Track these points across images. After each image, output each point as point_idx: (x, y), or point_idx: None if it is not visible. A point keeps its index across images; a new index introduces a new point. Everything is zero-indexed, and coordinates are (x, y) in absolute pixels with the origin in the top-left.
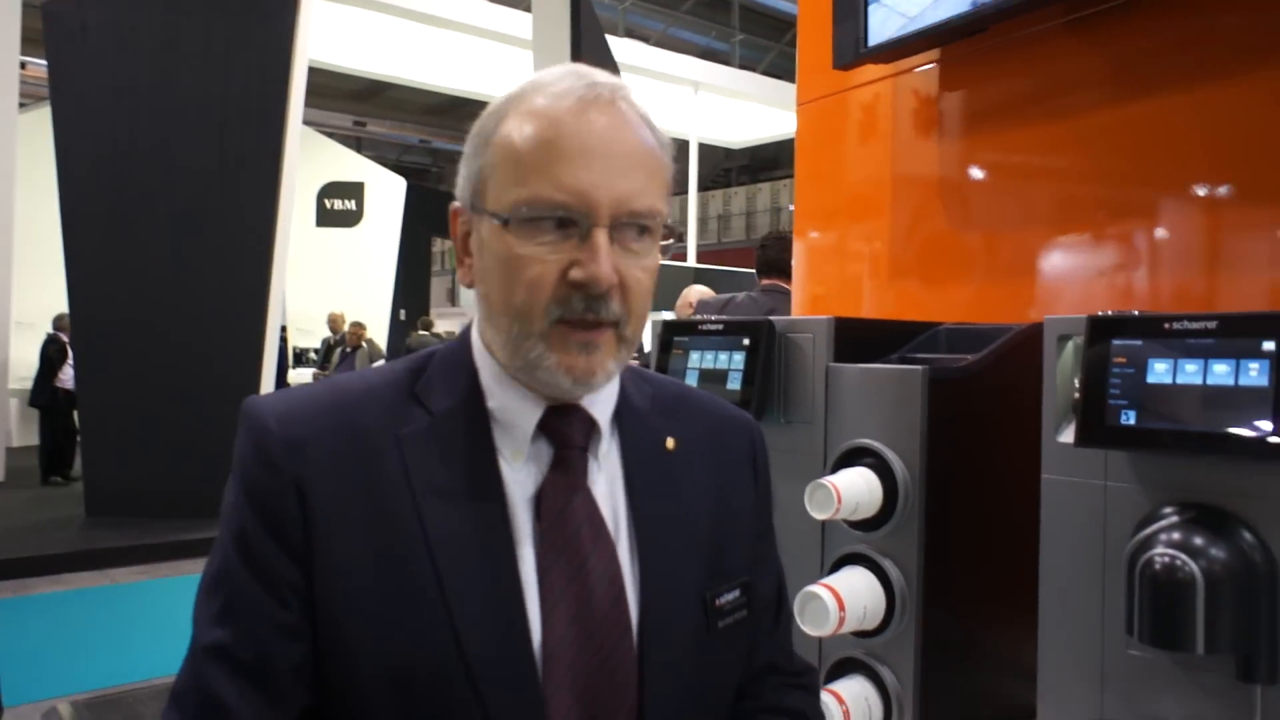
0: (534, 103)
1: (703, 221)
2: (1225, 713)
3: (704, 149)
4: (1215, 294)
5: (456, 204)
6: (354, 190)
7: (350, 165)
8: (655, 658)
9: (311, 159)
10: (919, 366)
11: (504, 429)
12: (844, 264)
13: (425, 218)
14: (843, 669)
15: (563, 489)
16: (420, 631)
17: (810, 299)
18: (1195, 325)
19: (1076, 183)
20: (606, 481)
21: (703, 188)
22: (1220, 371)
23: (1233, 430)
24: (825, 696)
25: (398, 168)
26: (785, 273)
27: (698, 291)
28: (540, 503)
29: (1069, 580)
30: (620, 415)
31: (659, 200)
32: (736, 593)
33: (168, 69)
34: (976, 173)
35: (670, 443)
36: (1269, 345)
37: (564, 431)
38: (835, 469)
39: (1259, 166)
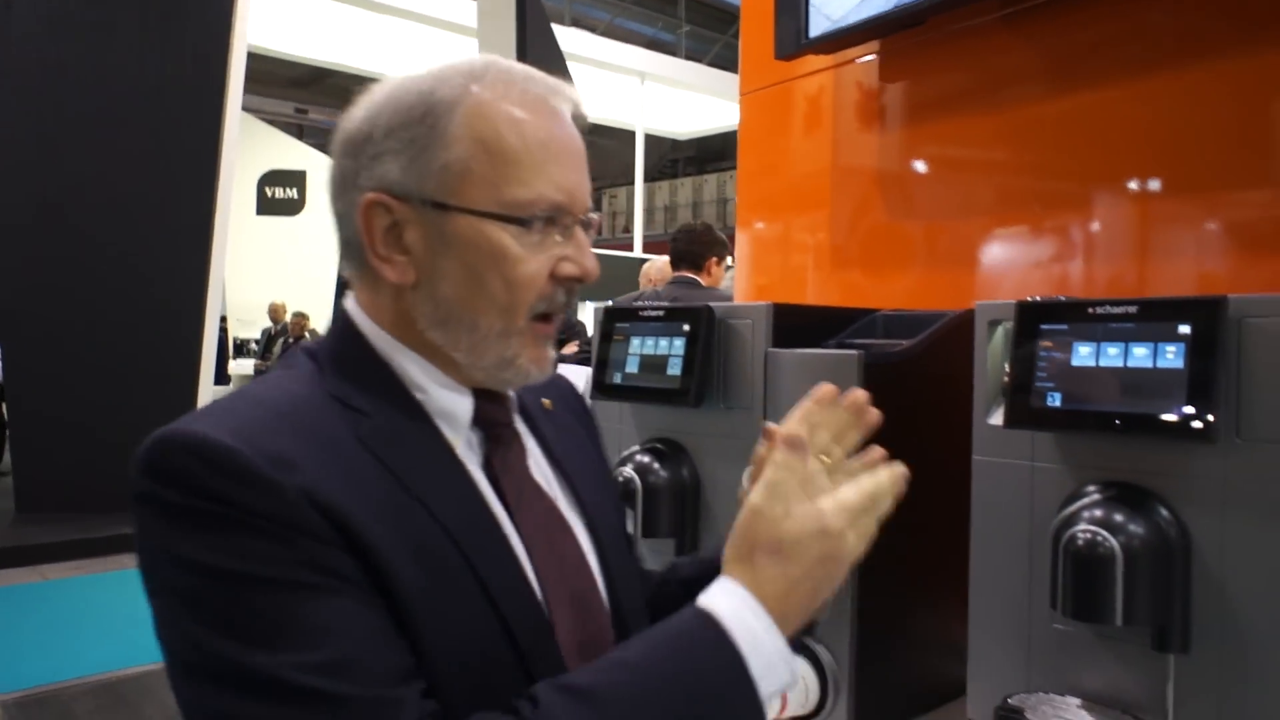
0: (508, 99)
1: (649, 212)
2: (1142, 681)
3: (651, 139)
4: (1146, 282)
5: (376, 195)
6: (296, 178)
7: (292, 153)
8: (626, 606)
9: (252, 146)
10: (854, 351)
11: (439, 418)
12: (788, 254)
13: None
14: None
15: (513, 468)
16: (472, 619)
17: (755, 289)
18: (1117, 310)
19: (1014, 174)
20: (528, 449)
21: (649, 178)
22: (1140, 354)
23: (1150, 411)
24: None
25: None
26: (696, 264)
27: (659, 265)
28: (498, 484)
29: (998, 558)
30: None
31: None
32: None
33: (100, 50)
34: (916, 164)
35: (547, 402)
36: (1185, 329)
37: (492, 412)
38: None
39: (1187, 160)
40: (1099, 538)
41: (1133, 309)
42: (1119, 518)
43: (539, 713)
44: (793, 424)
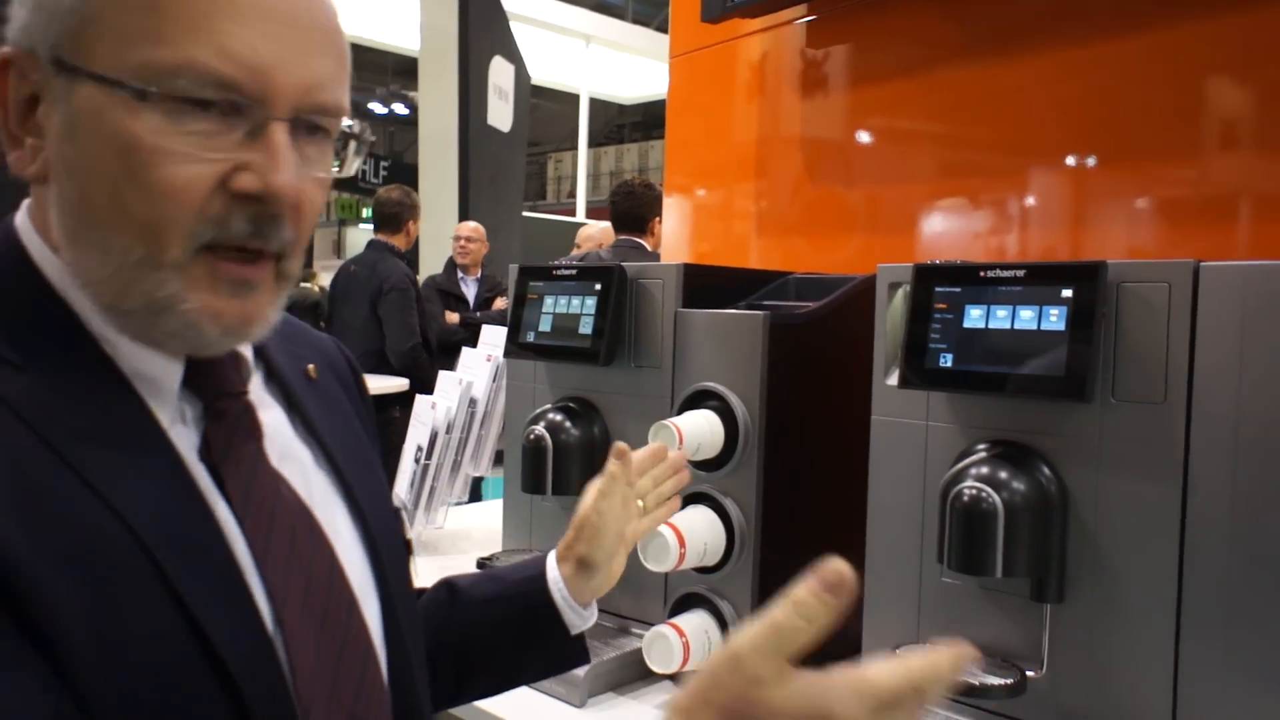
0: None
1: (594, 178)
2: (1021, 630)
3: (596, 104)
4: (1079, 253)
5: (9, 49)
6: None
7: None
8: (403, 621)
9: None
10: (760, 312)
11: (140, 384)
12: (715, 222)
13: None
14: (685, 604)
15: (240, 453)
16: (159, 632)
17: (696, 258)
18: (1006, 274)
19: (949, 145)
20: (271, 424)
21: (594, 144)
22: (1026, 317)
23: (1032, 372)
24: (666, 630)
25: None
26: (638, 227)
27: (599, 228)
28: (221, 469)
29: (893, 515)
30: (261, 344)
31: (346, 96)
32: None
33: None
34: (849, 130)
35: (312, 369)
36: (1067, 292)
37: (215, 375)
38: (681, 412)
39: (1118, 133)
40: (983, 494)
41: (1020, 273)
42: (1003, 475)
43: None
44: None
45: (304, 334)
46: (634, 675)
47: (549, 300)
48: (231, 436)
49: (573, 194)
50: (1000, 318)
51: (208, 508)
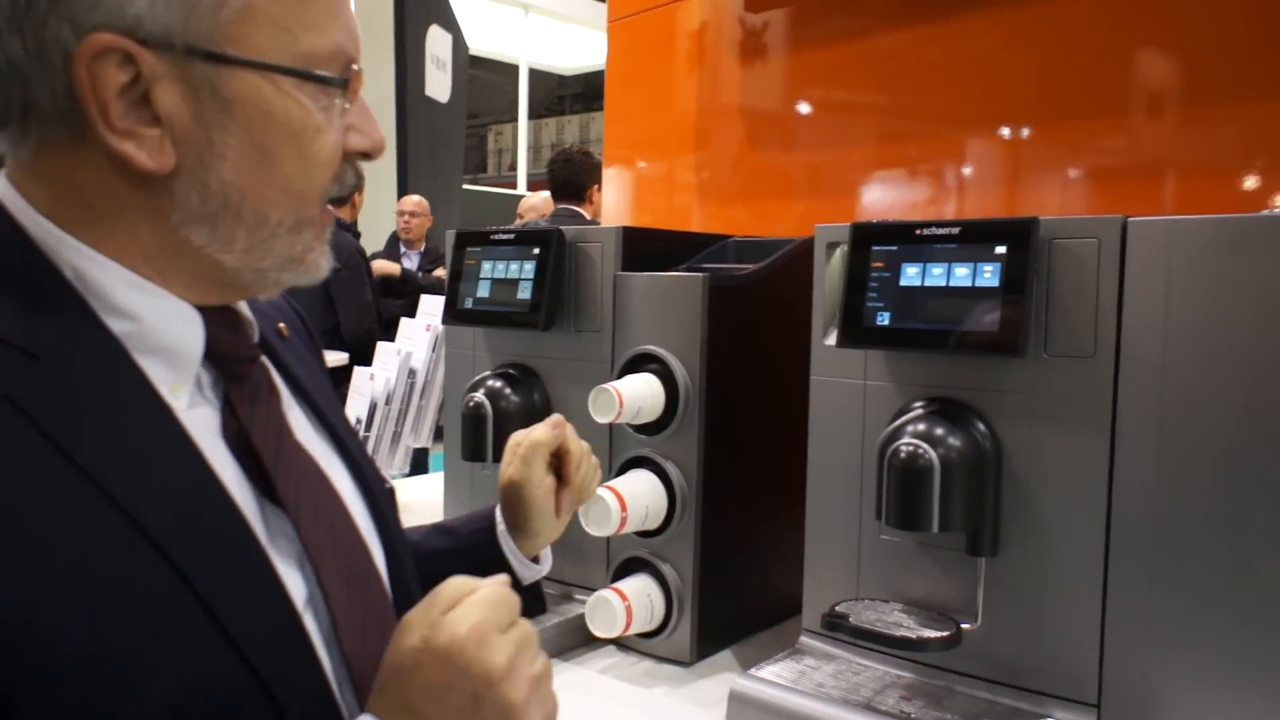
0: None
1: (535, 150)
2: (957, 584)
3: (536, 75)
4: (1014, 215)
5: (109, 38)
6: None
7: None
8: (406, 573)
9: None
10: (700, 275)
11: (149, 356)
12: (655, 191)
13: None
14: (628, 568)
15: (265, 419)
16: (190, 655)
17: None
18: (941, 231)
19: (885, 112)
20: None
21: (535, 115)
22: (960, 274)
23: (967, 328)
24: (609, 594)
25: None
26: (576, 195)
27: (541, 198)
28: (247, 441)
29: (832, 474)
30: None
31: None
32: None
33: None
34: (787, 98)
35: (284, 328)
36: (1000, 250)
37: (230, 342)
38: (622, 376)
39: (1051, 100)
40: (919, 451)
41: (955, 231)
42: (939, 431)
43: None
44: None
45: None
46: (577, 641)
47: (487, 266)
48: (255, 398)
49: (514, 167)
50: (936, 276)
51: (223, 490)
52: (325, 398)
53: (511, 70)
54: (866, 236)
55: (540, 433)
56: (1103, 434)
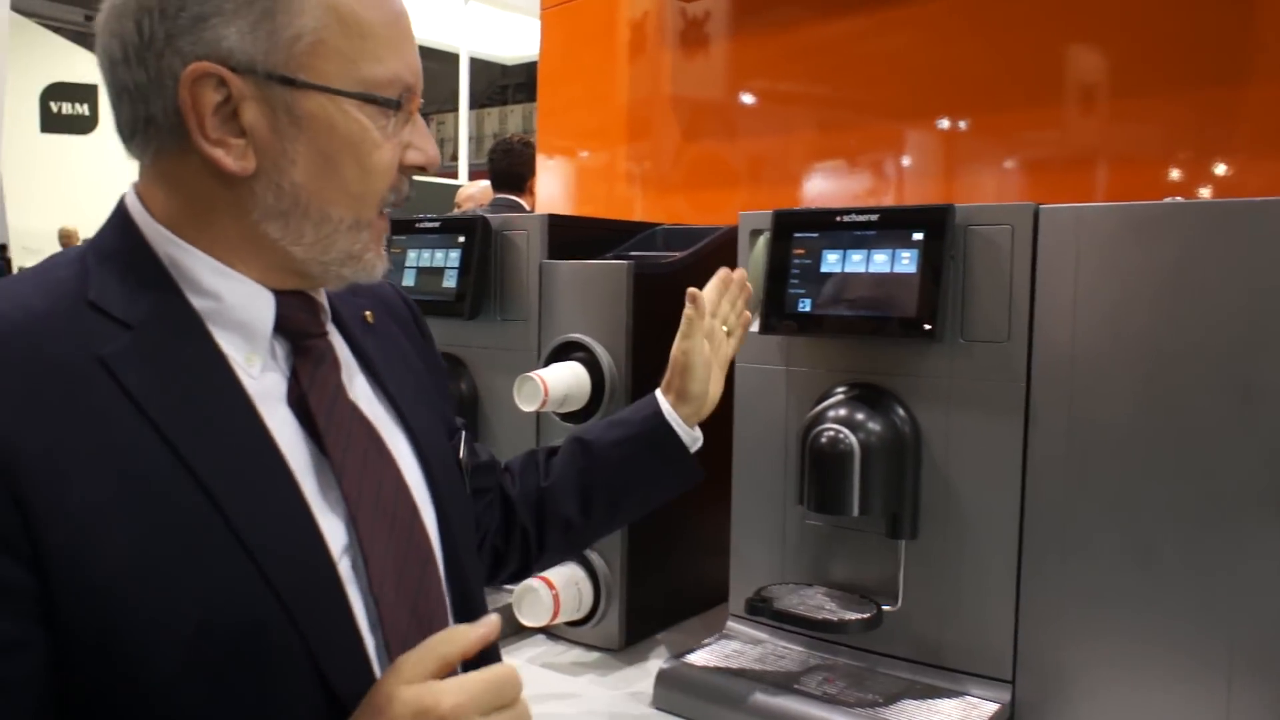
0: None
1: (477, 140)
2: (879, 567)
3: (477, 64)
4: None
5: (206, 65)
6: (86, 93)
7: (81, 65)
8: (459, 536)
9: (32, 56)
10: (625, 262)
11: (229, 330)
12: (592, 181)
13: None
14: None
15: (323, 383)
16: (222, 580)
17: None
18: (861, 218)
19: (823, 103)
20: (345, 365)
21: (476, 105)
22: (880, 260)
23: (885, 314)
24: (536, 583)
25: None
26: (516, 185)
27: (479, 187)
28: (305, 403)
29: (757, 461)
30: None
31: None
32: (465, 450)
33: None
34: (728, 89)
35: (369, 315)
36: (918, 236)
37: (301, 320)
38: (548, 364)
39: (985, 94)
40: (840, 436)
41: (874, 217)
42: (859, 416)
43: None
44: None
45: (365, 286)
46: (506, 630)
47: (412, 254)
48: (316, 368)
49: (455, 157)
50: (856, 262)
51: (269, 441)
52: (405, 378)
53: (452, 59)
54: (788, 224)
55: (687, 308)
56: (1017, 418)
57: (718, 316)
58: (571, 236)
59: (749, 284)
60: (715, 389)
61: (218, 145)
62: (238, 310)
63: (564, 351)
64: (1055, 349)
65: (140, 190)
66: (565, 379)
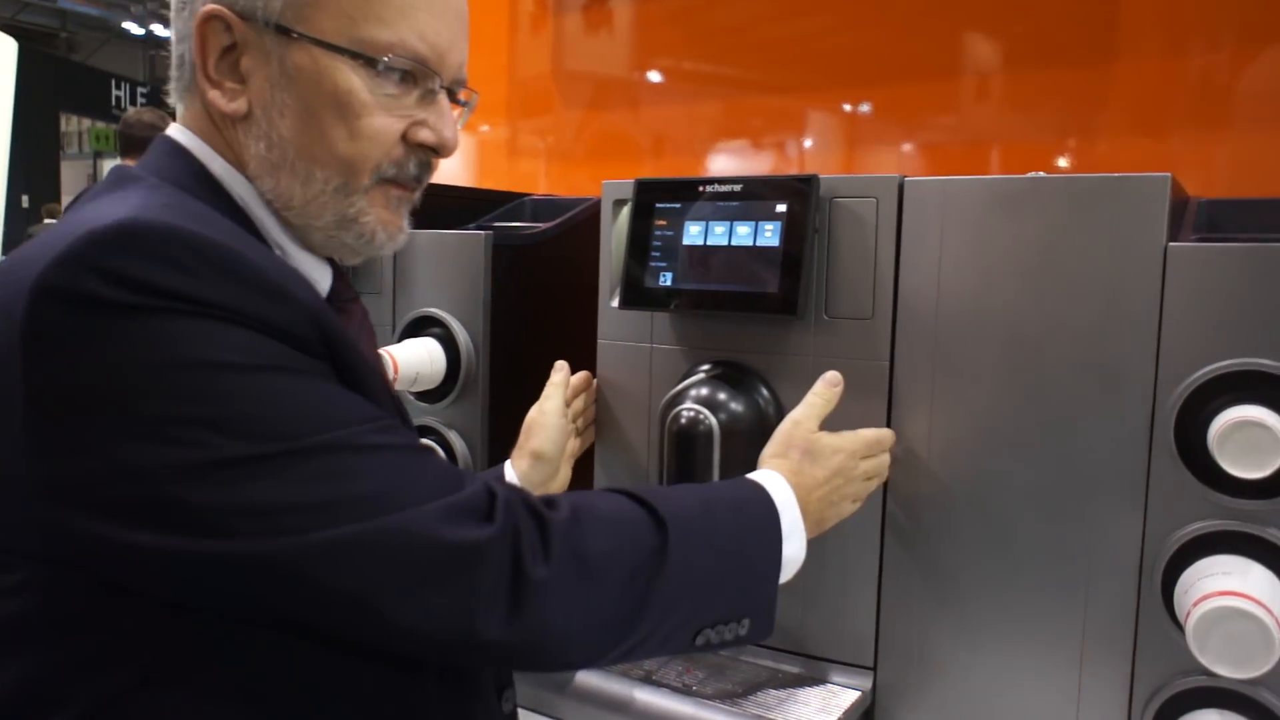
0: None
1: None
2: None
3: None
4: None
5: (215, 8)
6: None
7: None
8: None
9: None
10: (482, 232)
11: None
12: (495, 155)
13: (52, 90)
14: None
15: (370, 341)
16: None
17: None
18: (724, 189)
19: (728, 84)
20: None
21: None
22: (742, 233)
23: (747, 289)
24: None
25: (11, 28)
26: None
27: None
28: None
29: (621, 440)
30: None
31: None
32: None
33: None
34: (630, 62)
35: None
36: (781, 208)
37: (339, 285)
38: (403, 340)
39: (886, 79)
40: (700, 416)
41: (738, 187)
42: (721, 396)
43: (661, 503)
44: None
45: None
46: None
47: None
48: (360, 328)
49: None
50: (718, 234)
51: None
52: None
53: None
54: (650, 193)
55: (555, 376)
56: (880, 397)
57: (571, 407)
58: (433, 205)
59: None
60: (565, 473)
61: (215, 86)
62: (299, 261)
63: (419, 327)
64: (919, 327)
65: (193, 127)
66: (418, 356)
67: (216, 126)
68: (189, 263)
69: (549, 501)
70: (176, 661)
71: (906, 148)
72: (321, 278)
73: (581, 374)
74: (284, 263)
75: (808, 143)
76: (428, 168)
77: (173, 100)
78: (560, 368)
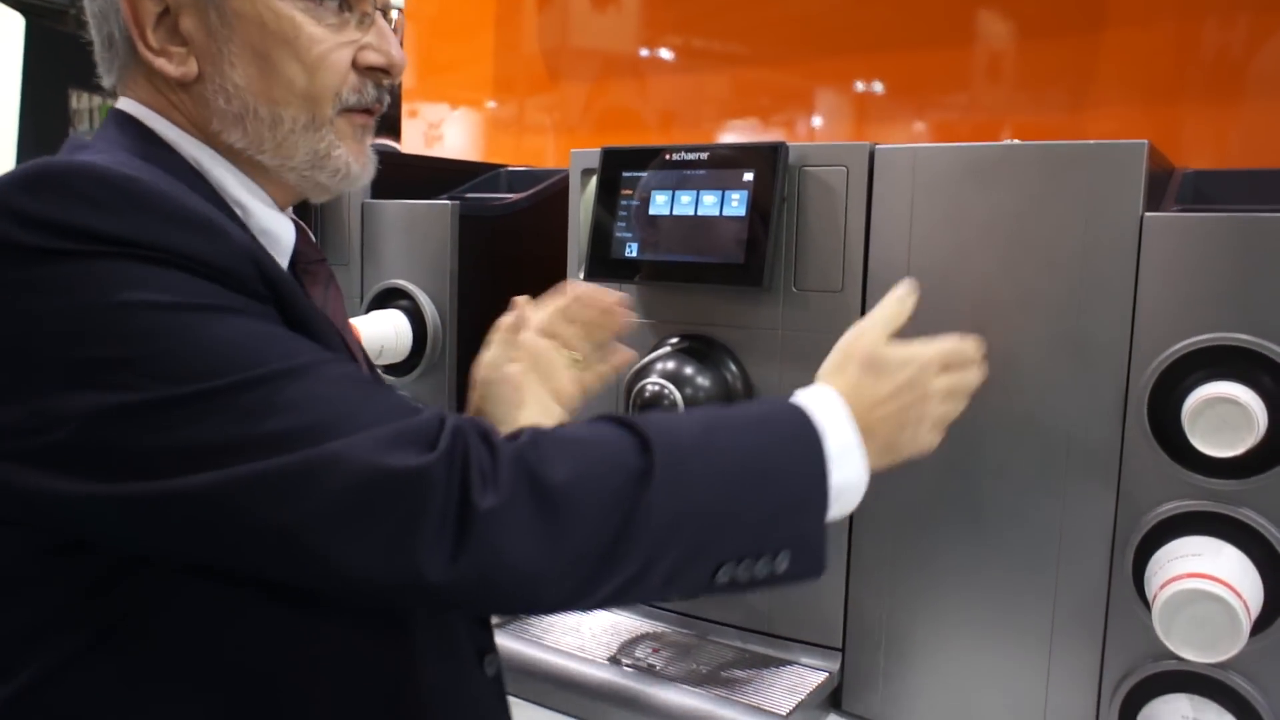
0: None
1: None
2: None
3: None
4: None
5: None
6: None
7: None
8: None
9: None
10: (450, 202)
11: (260, 235)
12: (501, 131)
13: (60, 66)
14: None
15: (335, 305)
16: None
17: None
18: (691, 157)
19: (737, 62)
20: None
21: None
22: (709, 202)
23: (714, 260)
24: None
25: (20, 4)
26: (392, 128)
27: None
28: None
29: (586, 415)
30: None
31: None
32: None
33: None
34: (637, 38)
35: None
36: (748, 176)
37: (304, 244)
38: (369, 311)
39: (899, 59)
40: (665, 390)
41: (704, 155)
42: (687, 370)
43: (651, 426)
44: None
45: None
46: None
47: None
48: (327, 287)
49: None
50: (684, 204)
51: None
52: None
53: None
54: (617, 162)
55: (503, 319)
56: None
57: (557, 338)
58: (405, 176)
59: (625, 311)
60: (525, 418)
61: (160, 54)
62: (263, 218)
63: (386, 299)
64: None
65: (139, 97)
66: (383, 330)
67: (162, 93)
68: (105, 200)
69: (514, 434)
70: (127, 625)
71: (918, 126)
72: (285, 234)
73: (572, 290)
74: (216, 206)
75: (817, 121)
76: (385, 88)
77: (107, 82)
78: (514, 303)
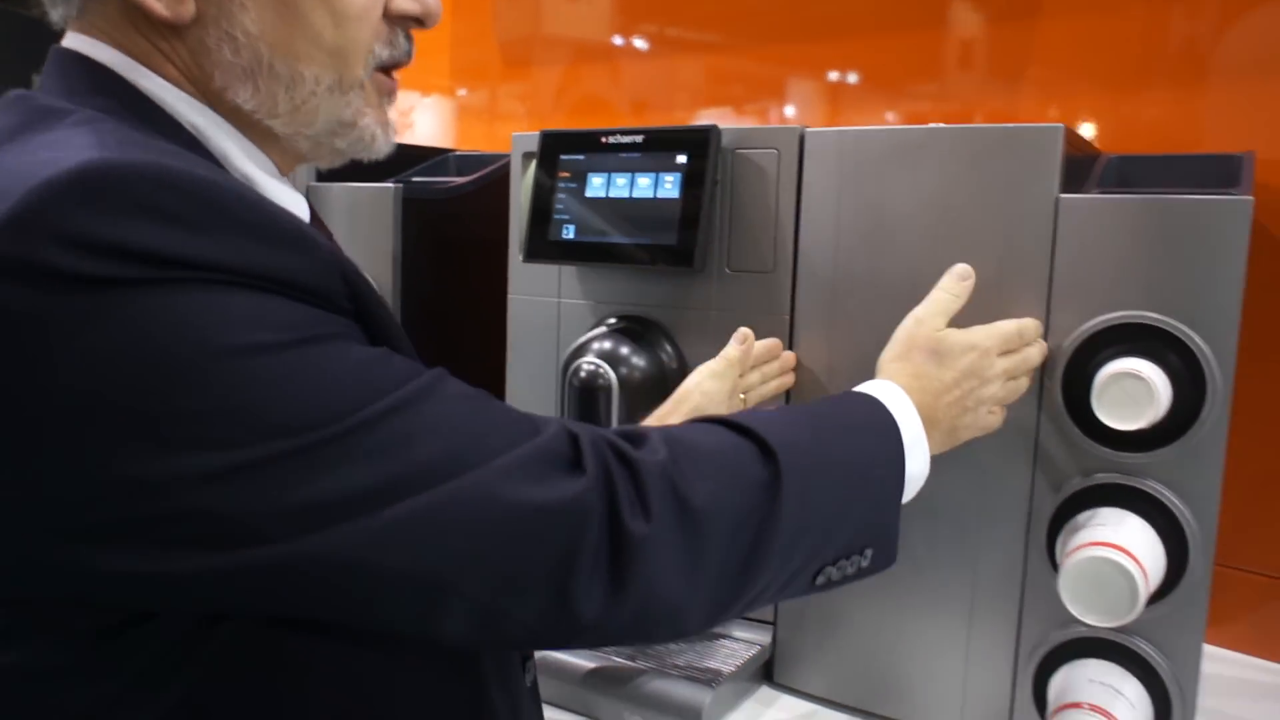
0: None
1: None
2: None
3: None
4: None
5: None
6: None
7: None
8: None
9: None
10: (393, 185)
11: None
12: (472, 119)
13: (23, 54)
14: None
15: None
16: None
17: None
18: (626, 140)
19: (720, 54)
20: None
21: None
22: (643, 185)
23: (648, 241)
24: None
25: None
26: None
27: None
28: None
29: (529, 398)
30: None
31: None
32: None
33: None
34: (610, 26)
35: None
36: (681, 159)
37: (314, 218)
38: None
39: (871, 52)
40: (600, 370)
41: (639, 139)
42: (623, 350)
43: (768, 432)
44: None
45: None
46: None
47: None
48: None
49: None
50: (620, 186)
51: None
52: None
53: None
54: (555, 145)
55: (730, 351)
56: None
57: (742, 379)
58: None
59: (792, 374)
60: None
61: None
62: (273, 192)
63: None
64: (817, 280)
65: (111, 38)
66: None
67: (146, 37)
68: (185, 213)
69: (633, 437)
70: (205, 687)
71: (890, 115)
72: (300, 212)
73: (768, 341)
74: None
75: (789, 110)
76: (412, 43)
77: (56, 12)
78: (743, 336)
